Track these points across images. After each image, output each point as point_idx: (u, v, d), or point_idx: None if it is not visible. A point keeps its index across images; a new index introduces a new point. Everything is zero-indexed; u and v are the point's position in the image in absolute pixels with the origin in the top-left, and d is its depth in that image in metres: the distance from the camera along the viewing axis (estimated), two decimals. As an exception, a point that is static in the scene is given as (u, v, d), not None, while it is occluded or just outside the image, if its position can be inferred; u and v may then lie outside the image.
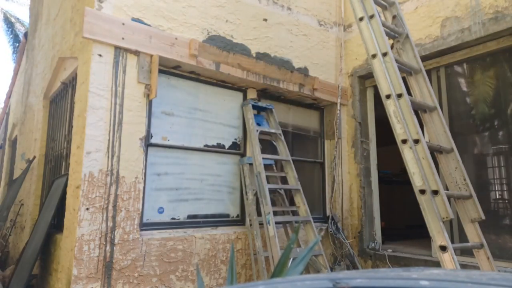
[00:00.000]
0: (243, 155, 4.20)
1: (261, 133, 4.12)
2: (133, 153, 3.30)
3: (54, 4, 5.22)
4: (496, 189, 3.90)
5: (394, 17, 3.46)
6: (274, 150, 4.32)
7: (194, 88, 3.97)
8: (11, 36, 16.51)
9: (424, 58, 3.95)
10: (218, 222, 3.91)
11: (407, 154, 2.66)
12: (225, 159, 4.11)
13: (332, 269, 4.48)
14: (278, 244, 3.53)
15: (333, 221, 4.68)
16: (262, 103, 4.36)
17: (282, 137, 4.28)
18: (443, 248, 2.41)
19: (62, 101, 4.60)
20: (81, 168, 3.08)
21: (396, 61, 2.96)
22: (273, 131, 4.25)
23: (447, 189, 3.00)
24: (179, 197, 3.70)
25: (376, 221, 4.73)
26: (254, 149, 3.93)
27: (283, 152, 4.23)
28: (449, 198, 2.70)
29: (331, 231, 4.62)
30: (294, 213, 4.15)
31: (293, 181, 4.13)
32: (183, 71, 3.85)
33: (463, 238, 3.38)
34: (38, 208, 4.87)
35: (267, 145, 4.33)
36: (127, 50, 3.35)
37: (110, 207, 3.11)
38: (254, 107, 4.21)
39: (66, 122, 4.25)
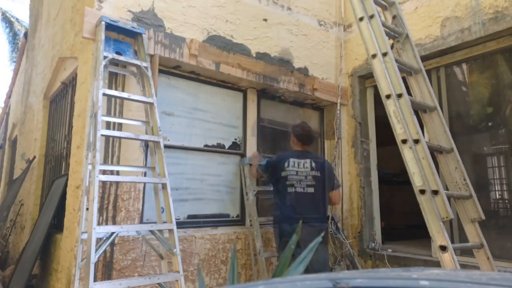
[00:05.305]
0: (243, 155, 4.20)
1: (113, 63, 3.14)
2: (133, 153, 3.30)
3: (54, 4, 5.22)
4: (496, 189, 3.90)
5: (394, 17, 3.46)
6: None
7: (194, 88, 3.97)
8: (10, 35, 16.52)
9: (424, 58, 3.95)
10: (218, 222, 3.91)
11: (407, 154, 2.66)
12: (225, 159, 4.11)
13: (332, 269, 4.48)
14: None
15: (333, 221, 4.67)
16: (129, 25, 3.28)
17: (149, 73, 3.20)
18: (443, 248, 2.41)
19: (62, 101, 4.60)
20: (81, 168, 3.08)
21: (396, 61, 2.95)
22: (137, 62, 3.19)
23: (447, 189, 3.00)
24: (179, 197, 3.70)
25: (376, 221, 4.73)
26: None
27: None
28: (449, 198, 2.70)
29: (331, 231, 4.61)
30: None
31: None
32: (183, 71, 3.85)
33: (463, 238, 3.38)
34: (38, 208, 4.87)
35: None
36: (127, 50, 3.35)
37: (110, 207, 3.11)
38: (111, 27, 3.11)
39: (66, 122, 4.25)
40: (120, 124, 3.25)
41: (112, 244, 3.06)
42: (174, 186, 3.65)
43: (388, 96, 2.83)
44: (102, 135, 2.77)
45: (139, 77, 3.34)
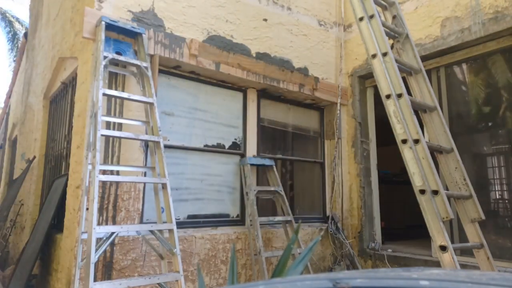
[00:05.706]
0: (243, 155, 4.20)
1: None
2: (133, 153, 3.30)
3: (54, 4, 5.22)
4: (496, 189, 3.90)
5: (394, 17, 3.46)
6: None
7: (194, 88, 3.97)
8: (9, 35, 16.50)
9: (424, 58, 3.95)
10: (218, 222, 3.90)
11: (407, 154, 2.66)
12: (225, 159, 4.10)
13: (332, 269, 4.48)
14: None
15: (333, 221, 4.68)
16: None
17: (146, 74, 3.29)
18: (443, 248, 2.42)
19: (62, 101, 4.60)
20: (81, 168, 3.08)
21: (396, 61, 2.96)
22: (138, 62, 3.25)
23: (447, 189, 3.00)
24: (179, 197, 3.70)
25: (376, 221, 4.73)
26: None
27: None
28: (449, 198, 2.70)
29: (331, 231, 4.62)
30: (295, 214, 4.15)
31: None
32: (183, 71, 3.85)
33: (463, 238, 3.38)
34: (38, 208, 4.87)
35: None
36: (127, 50, 3.35)
37: (110, 207, 3.11)
38: (111, 27, 3.17)
39: (66, 122, 4.25)
40: (120, 124, 3.25)
41: (112, 244, 3.06)
42: (174, 186, 3.65)
43: (388, 96, 2.83)
44: (102, 135, 2.78)
45: (139, 77, 3.34)
